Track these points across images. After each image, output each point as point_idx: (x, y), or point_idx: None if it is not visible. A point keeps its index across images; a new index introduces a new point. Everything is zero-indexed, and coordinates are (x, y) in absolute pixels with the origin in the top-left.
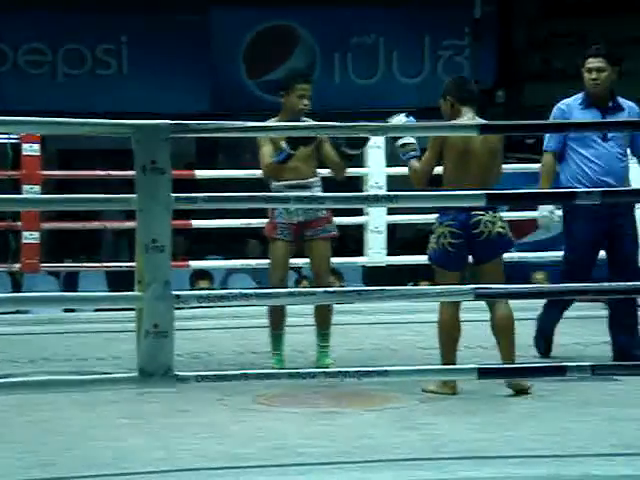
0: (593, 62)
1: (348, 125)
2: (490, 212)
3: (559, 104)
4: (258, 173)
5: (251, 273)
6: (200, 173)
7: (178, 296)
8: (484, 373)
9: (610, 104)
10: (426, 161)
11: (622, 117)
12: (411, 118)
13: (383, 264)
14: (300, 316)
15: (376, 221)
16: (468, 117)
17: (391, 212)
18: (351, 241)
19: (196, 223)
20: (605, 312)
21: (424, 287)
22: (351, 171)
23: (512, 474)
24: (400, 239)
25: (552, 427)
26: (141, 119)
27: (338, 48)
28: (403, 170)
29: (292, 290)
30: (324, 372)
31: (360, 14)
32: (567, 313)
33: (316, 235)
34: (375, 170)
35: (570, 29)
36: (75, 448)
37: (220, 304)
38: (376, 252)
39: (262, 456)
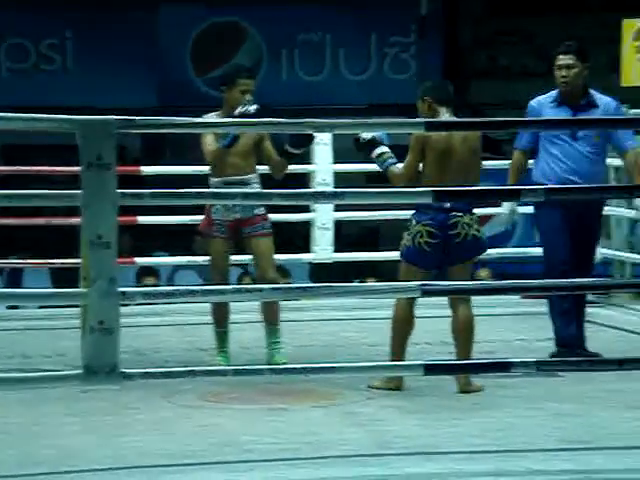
0: (563, 59)
1: (295, 121)
2: (468, 214)
3: (531, 101)
4: (206, 169)
5: (197, 270)
6: (146, 169)
7: (124, 293)
8: (430, 369)
9: (583, 102)
10: (409, 163)
11: (595, 115)
12: (381, 134)
13: (330, 261)
14: (244, 312)
15: (323, 218)
16: (446, 117)
17: (338, 209)
18: (298, 238)
19: (142, 219)
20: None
21: (371, 284)
22: (298, 168)
23: (457, 470)
24: (347, 236)
25: (497, 423)
26: (87, 114)
27: (285, 45)
28: (350, 167)
29: (239, 287)
30: (271, 369)
31: (307, 11)
32: (511, 310)
33: (255, 232)
34: (322, 167)
35: (515, 27)
36: (20, 446)
37: (166, 301)
38: (323, 249)
39: (208, 453)
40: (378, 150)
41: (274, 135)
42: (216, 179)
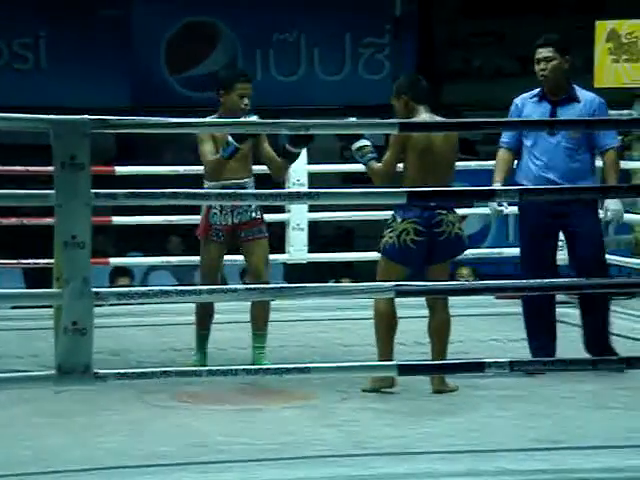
0: (541, 52)
1: (270, 122)
2: (451, 212)
3: (515, 99)
4: (181, 170)
5: (172, 270)
6: (120, 169)
7: (97, 293)
8: (404, 370)
9: (563, 96)
10: (388, 160)
11: (575, 110)
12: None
13: (304, 261)
14: (221, 313)
15: (297, 218)
16: (424, 116)
17: (312, 209)
18: (273, 238)
19: (117, 220)
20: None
21: (345, 284)
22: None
23: (431, 470)
24: (321, 236)
25: (471, 423)
26: (60, 114)
27: (260, 45)
28: (324, 168)
29: (214, 287)
30: (245, 369)
31: (281, 11)
32: (485, 310)
33: (252, 236)
34: (296, 167)
35: (489, 29)
36: None
37: (140, 301)
38: (297, 249)
39: (182, 454)
40: (358, 143)
41: (270, 135)
42: (212, 183)
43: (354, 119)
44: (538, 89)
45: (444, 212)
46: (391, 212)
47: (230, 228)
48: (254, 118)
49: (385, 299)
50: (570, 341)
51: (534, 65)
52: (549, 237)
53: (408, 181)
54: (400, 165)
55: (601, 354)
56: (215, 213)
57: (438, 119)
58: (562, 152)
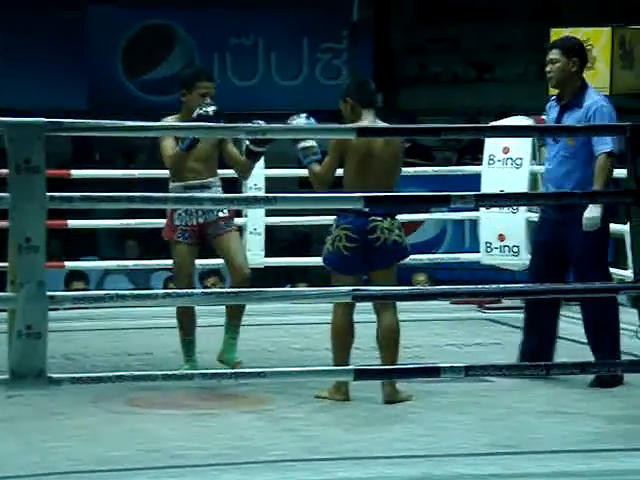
0: (549, 54)
1: (227, 126)
2: (388, 219)
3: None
4: (136, 173)
5: (128, 274)
6: (76, 172)
7: (52, 297)
8: (360, 374)
9: (570, 100)
10: (326, 165)
11: (576, 115)
12: (311, 120)
13: (261, 266)
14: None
15: (254, 223)
16: (369, 120)
17: (269, 214)
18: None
19: (72, 223)
20: (477, 314)
21: (302, 289)
22: (230, 172)
23: (386, 474)
24: (278, 241)
25: (426, 428)
26: (15, 116)
27: (217, 49)
28: (282, 172)
29: (169, 291)
30: (201, 374)
31: (239, 15)
32: (441, 315)
33: (220, 230)
34: (254, 172)
35: (445, 35)
36: None
37: (96, 305)
38: (255, 254)
39: (136, 459)
40: (305, 143)
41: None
42: (176, 184)
43: (304, 116)
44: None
45: (379, 219)
46: None
47: (196, 227)
48: (212, 109)
49: (341, 315)
50: None
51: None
52: (552, 259)
53: (347, 187)
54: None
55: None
56: (180, 214)
57: (381, 124)
58: (558, 161)
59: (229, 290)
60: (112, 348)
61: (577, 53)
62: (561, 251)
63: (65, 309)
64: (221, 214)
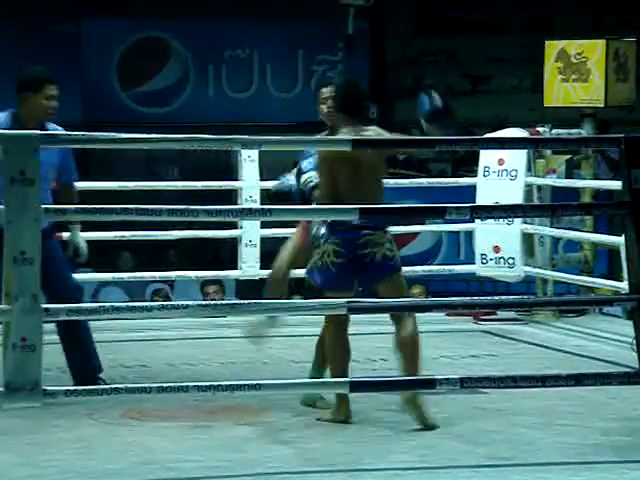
0: None
1: (222, 138)
2: (379, 232)
3: None
4: (131, 185)
5: (123, 286)
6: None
7: (47, 309)
8: (356, 386)
9: None
10: (321, 187)
11: None
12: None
13: (257, 278)
14: (174, 329)
15: (250, 235)
16: (349, 129)
17: (265, 226)
18: (225, 254)
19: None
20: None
21: (297, 301)
22: (225, 184)
23: None
24: (274, 252)
25: (422, 440)
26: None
27: (212, 61)
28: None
29: (165, 304)
30: (196, 386)
31: (234, 27)
32: (436, 327)
33: None
34: (249, 184)
35: (440, 47)
36: None
37: (90, 317)
38: (250, 266)
39: (132, 471)
40: (304, 177)
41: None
42: None
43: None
44: None
45: (370, 233)
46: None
47: None
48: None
49: (336, 333)
50: (522, 358)
51: None
52: None
53: (333, 197)
54: None
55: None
56: None
57: (369, 132)
58: None
59: (224, 302)
60: (107, 360)
61: None
62: None
63: (60, 321)
64: None
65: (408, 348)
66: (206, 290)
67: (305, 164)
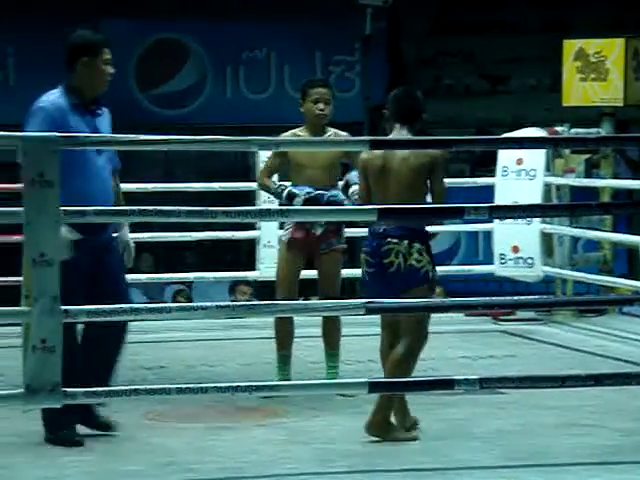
0: None
1: (241, 139)
2: (406, 241)
3: None
4: (150, 187)
5: (142, 288)
6: None
7: (67, 311)
8: (375, 387)
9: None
10: (360, 189)
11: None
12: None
13: (274, 279)
14: (189, 331)
15: (268, 236)
16: (394, 134)
17: (283, 227)
18: (243, 255)
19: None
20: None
21: (315, 302)
22: (243, 186)
23: None
24: None
25: (439, 440)
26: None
27: (230, 62)
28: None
29: (183, 305)
30: (215, 387)
31: (251, 28)
32: (454, 327)
33: (328, 248)
34: None
35: (458, 47)
36: None
37: (109, 319)
38: (268, 267)
39: (152, 472)
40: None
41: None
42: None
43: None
44: None
45: (395, 241)
46: (362, 229)
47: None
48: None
49: (385, 342)
50: (539, 358)
51: None
52: None
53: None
54: None
55: None
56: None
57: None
58: None
59: (243, 303)
60: (127, 362)
61: None
62: None
63: (79, 323)
64: (330, 227)
65: (390, 367)
66: (240, 289)
67: (352, 176)
